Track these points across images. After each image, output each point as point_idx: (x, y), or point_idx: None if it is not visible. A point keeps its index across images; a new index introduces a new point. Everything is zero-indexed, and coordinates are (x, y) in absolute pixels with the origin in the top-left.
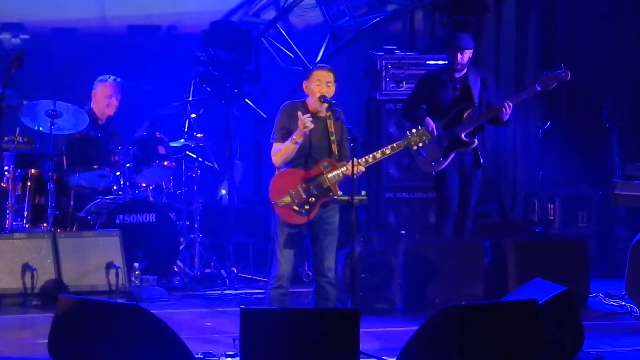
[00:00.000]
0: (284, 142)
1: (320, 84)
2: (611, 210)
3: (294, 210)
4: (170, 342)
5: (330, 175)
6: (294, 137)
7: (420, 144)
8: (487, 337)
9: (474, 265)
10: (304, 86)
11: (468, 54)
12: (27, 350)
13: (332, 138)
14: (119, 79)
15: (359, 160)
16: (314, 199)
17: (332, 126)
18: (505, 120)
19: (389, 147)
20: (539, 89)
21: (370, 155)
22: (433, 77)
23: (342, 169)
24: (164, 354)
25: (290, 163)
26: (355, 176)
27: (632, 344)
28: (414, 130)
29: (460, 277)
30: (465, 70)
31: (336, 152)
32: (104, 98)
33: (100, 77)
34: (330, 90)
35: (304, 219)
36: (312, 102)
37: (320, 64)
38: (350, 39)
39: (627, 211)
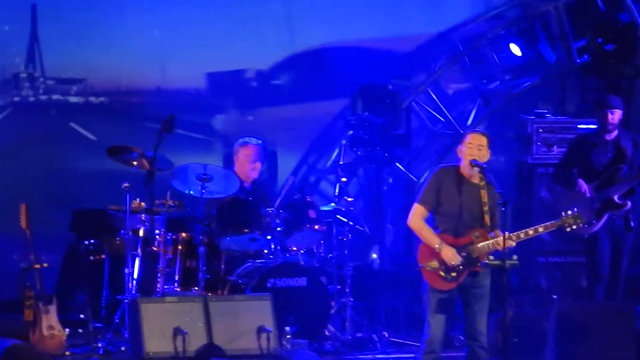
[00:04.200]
0: (426, 207)
1: (472, 148)
2: None
3: (440, 275)
4: None
5: (480, 245)
6: (438, 245)
7: (574, 227)
8: None
9: (626, 330)
10: (458, 150)
11: (618, 114)
12: None
13: (485, 208)
14: (260, 142)
15: (511, 235)
16: (461, 267)
17: (486, 195)
18: None
19: (543, 225)
20: None
21: (523, 232)
22: (584, 140)
23: (493, 242)
24: None
25: (441, 228)
26: (505, 250)
27: None
28: (569, 212)
29: (612, 341)
30: (616, 132)
31: (488, 223)
32: (247, 162)
33: (241, 140)
34: (481, 154)
35: (450, 285)
36: (465, 167)
37: (474, 129)
38: (501, 103)
39: None
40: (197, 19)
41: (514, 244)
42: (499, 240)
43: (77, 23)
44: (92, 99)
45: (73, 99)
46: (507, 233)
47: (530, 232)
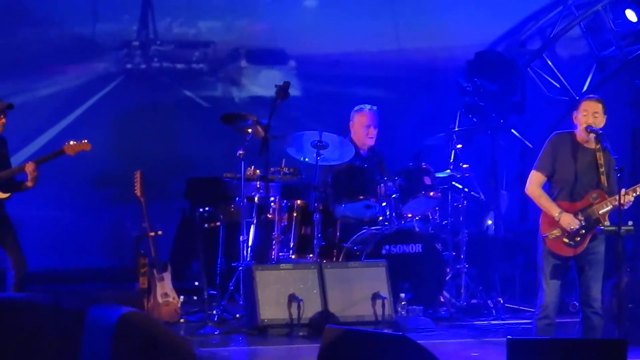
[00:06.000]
0: (543, 173)
1: (587, 115)
2: None
3: (564, 242)
4: None
5: (599, 206)
6: (557, 214)
7: None
8: None
9: None
10: (573, 117)
11: None
12: None
13: (602, 170)
14: (375, 107)
15: (627, 191)
16: (584, 230)
17: (601, 158)
18: None
19: None
20: None
21: (638, 186)
22: None
23: (611, 199)
24: None
25: (556, 194)
26: (623, 207)
27: None
28: None
29: None
30: None
31: (605, 184)
32: (362, 128)
33: (357, 107)
34: (597, 121)
35: (575, 250)
36: (580, 133)
37: (589, 95)
38: (616, 69)
39: None
40: None
41: (632, 199)
42: (617, 197)
43: None
44: (204, 65)
45: (182, 66)
46: (623, 189)
47: None
